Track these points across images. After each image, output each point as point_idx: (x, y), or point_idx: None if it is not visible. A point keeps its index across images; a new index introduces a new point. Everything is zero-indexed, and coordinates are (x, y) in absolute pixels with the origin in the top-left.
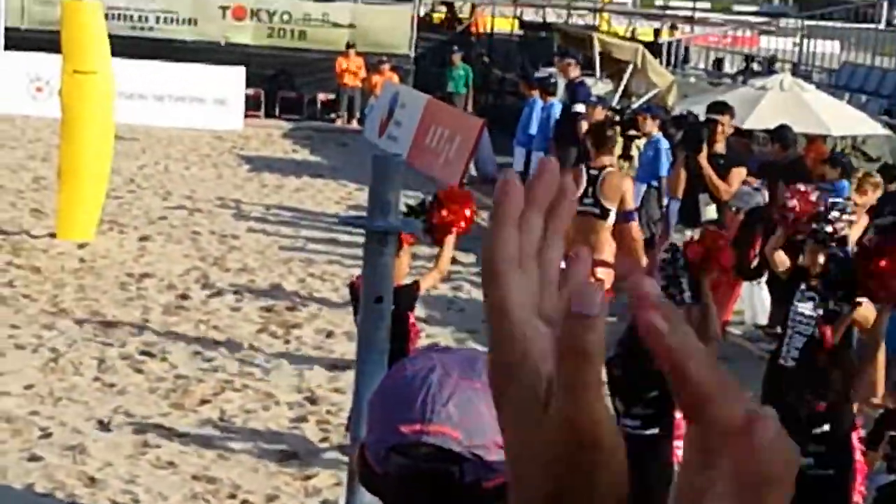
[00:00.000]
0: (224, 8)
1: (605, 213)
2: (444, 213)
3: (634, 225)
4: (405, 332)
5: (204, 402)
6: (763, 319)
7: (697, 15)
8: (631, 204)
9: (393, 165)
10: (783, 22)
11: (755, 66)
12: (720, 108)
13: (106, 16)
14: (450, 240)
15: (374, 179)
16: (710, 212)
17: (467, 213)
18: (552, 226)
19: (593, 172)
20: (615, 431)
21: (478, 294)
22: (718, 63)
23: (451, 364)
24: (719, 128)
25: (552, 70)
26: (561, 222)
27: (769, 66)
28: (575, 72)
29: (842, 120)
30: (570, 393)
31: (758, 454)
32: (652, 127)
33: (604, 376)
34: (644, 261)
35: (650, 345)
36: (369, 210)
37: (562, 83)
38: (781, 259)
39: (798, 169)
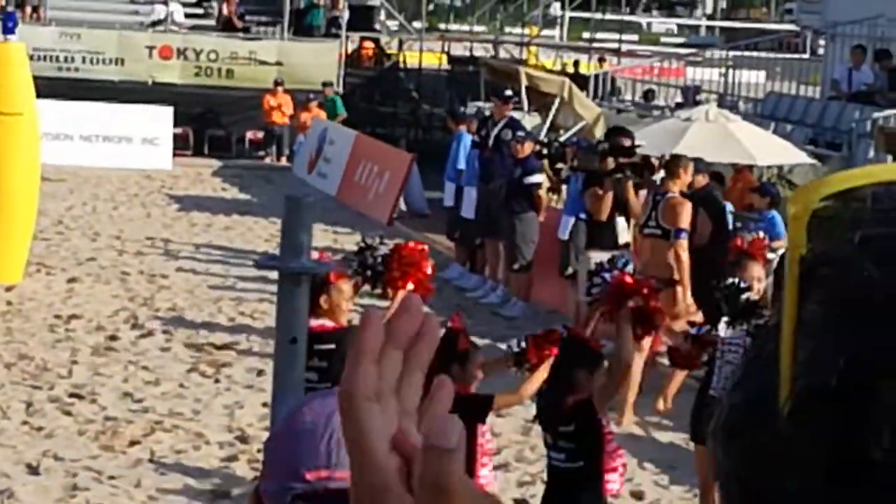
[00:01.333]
0: (151, 48)
1: (665, 234)
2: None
3: (682, 242)
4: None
5: (134, 443)
6: None
7: (625, 47)
8: (680, 223)
9: (305, 206)
10: (709, 53)
11: (679, 98)
12: (618, 131)
13: (31, 57)
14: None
15: (286, 220)
16: (626, 235)
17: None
18: (412, 361)
19: (658, 198)
20: None
21: None
22: (649, 94)
23: None
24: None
25: (480, 104)
26: (421, 358)
27: (694, 96)
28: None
29: (767, 149)
30: None
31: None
32: None
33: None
34: (686, 276)
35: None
36: (282, 251)
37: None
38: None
39: (708, 200)
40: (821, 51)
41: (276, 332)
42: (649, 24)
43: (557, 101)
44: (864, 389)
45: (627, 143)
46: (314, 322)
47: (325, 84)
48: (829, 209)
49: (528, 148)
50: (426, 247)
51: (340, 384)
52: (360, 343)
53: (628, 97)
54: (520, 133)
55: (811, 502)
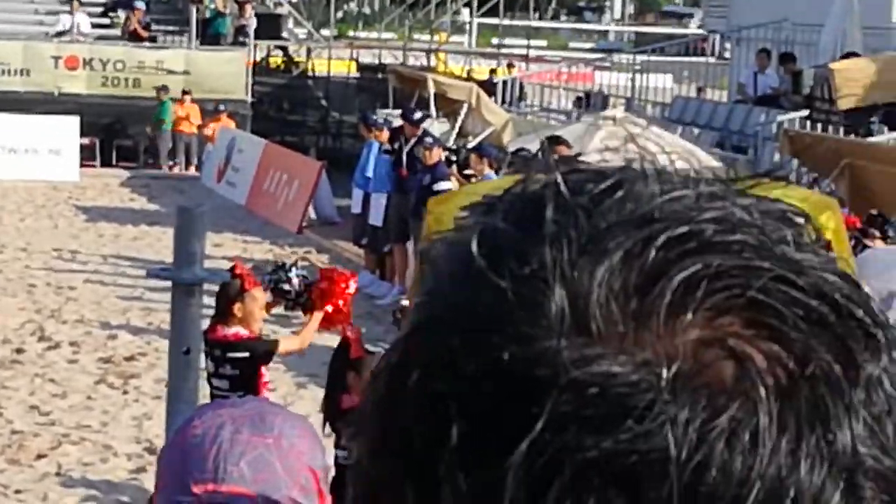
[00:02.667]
0: (56, 58)
1: None
2: (323, 289)
3: None
4: (256, 383)
5: (41, 456)
6: None
7: (533, 53)
8: None
9: (197, 216)
10: (616, 57)
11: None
12: (556, 140)
13: None
14: (317, 315)
15: (178, 231)
16: None
17: (340, 302)
18: None
19: None
20: None
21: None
22: (580, 100)
23: (242, 420)
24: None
25: (389, 111)
26: None
27: (602, 101)
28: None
29: (673, 153)
30: None
31: None
32: (482, 166)
33: None
34: None
35: None
36: (175, 261)
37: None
38: None
39: None
40: (727, 55)
41: (169, 343)
42: (557, 31)
43: (465, 107)
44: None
45: (569, 152)
46: (229, 330)
47: (160, 88)
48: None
49: (436, 155)
50: (352, 281)
51: None
52: None
53: (537, 103)
54: (428, 140)
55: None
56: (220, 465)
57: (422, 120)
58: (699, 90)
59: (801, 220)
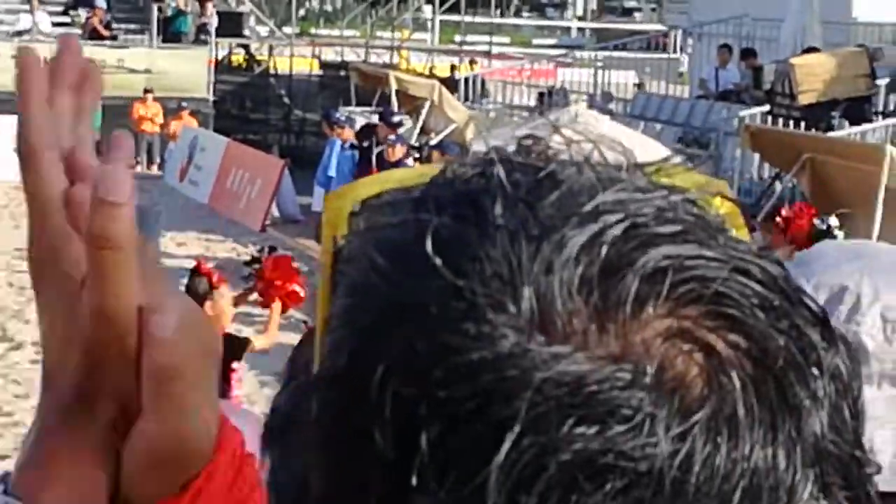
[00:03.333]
0: (16, 57)
1: None
2: (270, 275)
3: None
4: (226, 379)
5: (3, 457)
6: None
7: (495, 49)
8: None
9: (151, 215)
10: (579, 54)
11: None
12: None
13: None
14: (276, 307)
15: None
16: None
17: (294, 286)
18: (81, 103)
19: None
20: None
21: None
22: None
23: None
24: None
25: (352, 109)
26: (90, 100)
27: (564, 97)
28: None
29: (636, 149)
30: (97, 282)
31: (155, 346)
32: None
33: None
34: None
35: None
36: None
37: (361, 121)
38: None
39: None
40: (689, 50)
41: None
42: (520, 27)
43: (428, 104)
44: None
45: None
46: None
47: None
48: (361, 210)
49: (399, 151)
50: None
51: (17, 133)
52: (26, 85)
53: (500, 99)
54: (391, 137)
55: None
56: None
57: (400, 124)
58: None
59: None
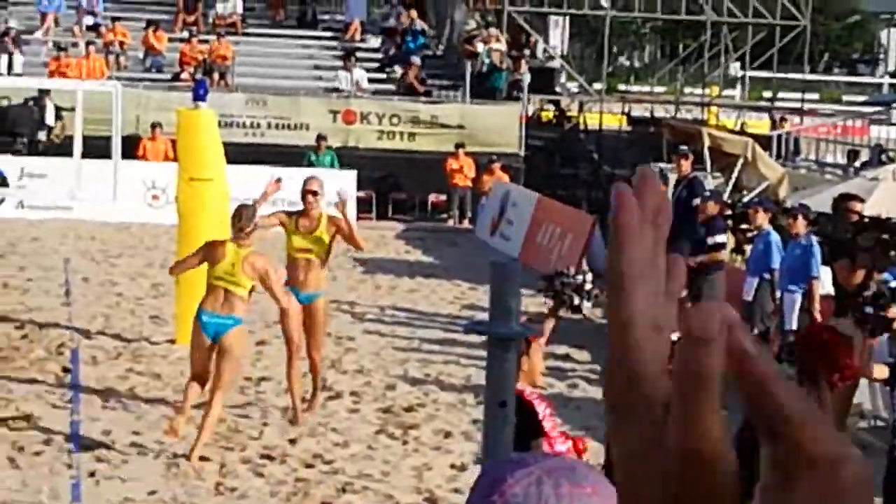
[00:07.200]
0: (335, 112)
1: None
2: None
3: None
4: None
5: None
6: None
7: (806, 106)
8: None
9: (512, 270)
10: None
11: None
12: (849, 197)
13: (219, 123)
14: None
15: (493, 285)
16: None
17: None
18: (659, 234)
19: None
20: (728, 446)
21: (594, 391)
22: (852, 155)
23: (556, 473)
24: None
25: (663, 165)
26: (664, 229)
27: (878, 155)
28: (687, 166)
29: None
30: (685, 418)
31: (842, 491)
32: (763, 220)
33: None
34: None
35: (736, 367)
36: (491, 316)
37: (673, 177)
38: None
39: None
40: None
41: (484, 396)
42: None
43: (741, 161)
44: None
45: (861, 207)
46: (517, 386)
47: (319, 137)
48: None
49: (712, 208)
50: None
51: (608, 266)
52: (621, 220)
53: (812, 157)
54: (705, 193)
55: None
56: None
57: (688, 153)
58: None
59: None
